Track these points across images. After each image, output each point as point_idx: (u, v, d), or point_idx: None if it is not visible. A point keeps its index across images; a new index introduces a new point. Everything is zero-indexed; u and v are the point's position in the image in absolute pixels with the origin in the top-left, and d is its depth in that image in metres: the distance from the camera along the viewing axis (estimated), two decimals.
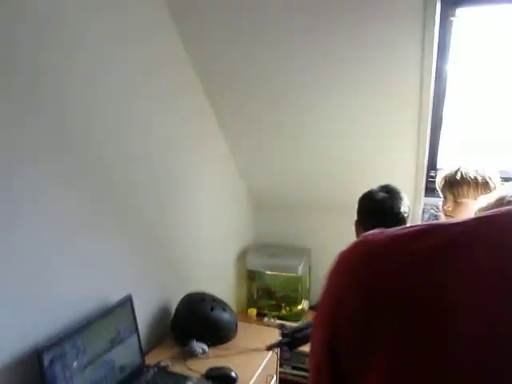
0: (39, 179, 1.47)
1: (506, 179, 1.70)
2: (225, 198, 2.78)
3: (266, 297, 2.96)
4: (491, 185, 1.61)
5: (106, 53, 1.72)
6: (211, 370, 1.83)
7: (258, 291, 2.98)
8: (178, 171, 2.25)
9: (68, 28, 1.54)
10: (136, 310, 1.84)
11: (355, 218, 1.68)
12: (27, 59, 1.40)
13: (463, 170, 1.65)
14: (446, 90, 2.45)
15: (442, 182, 1.73)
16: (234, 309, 2.86)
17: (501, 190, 1.73)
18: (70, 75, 1.57)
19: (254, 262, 2.89)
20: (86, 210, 1.67)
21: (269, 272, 2.91)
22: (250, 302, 2.98)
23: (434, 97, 2.29)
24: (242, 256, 2.97)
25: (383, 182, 1.68)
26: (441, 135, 2.66)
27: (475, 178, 1.62)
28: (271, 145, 2.64)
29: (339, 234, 2.82)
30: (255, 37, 2.08)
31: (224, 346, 2.07)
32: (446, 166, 1.78)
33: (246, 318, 2.78)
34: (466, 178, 1.63)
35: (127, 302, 1.79)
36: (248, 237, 3.09)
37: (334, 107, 2.28)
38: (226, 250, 2.85)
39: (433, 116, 2.39)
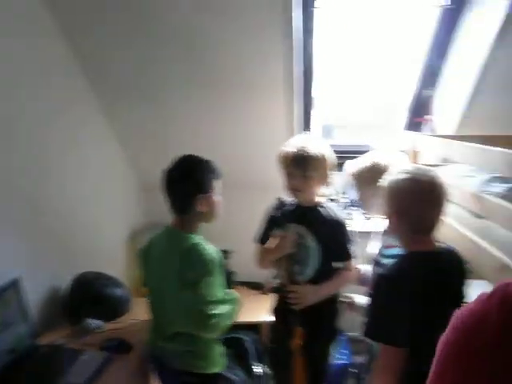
0: None
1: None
2: (111, 181, 2.81)
3: None
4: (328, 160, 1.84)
5: None
6: (107, 341, 1.90)
7: None
8: (59, 154, 2.23)
9: None
10: (28, 294, 1.85)
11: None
12: None
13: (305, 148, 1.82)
14: (313, 75, 2.72)
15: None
16: (129, 287, 2.92)
17: (370, 156, 2.03)
18: None
19: (144, 241, 2.93)
20: None
21: None
22: (143, 282, 3.04)
23: (301, 82, 2.55)
24: (134, 236, 3.02)
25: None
26: (311, 116, 2.95)
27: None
28: (154, 125, 2.73)
29: (229, 209, 3.02)
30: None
31: (119, 320, 2.14)
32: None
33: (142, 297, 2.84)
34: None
35: (14, 286, 1.78)
36: (138, 218, 3.14)
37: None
38: (116, 231, 2.88)
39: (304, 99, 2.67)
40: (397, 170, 1.47)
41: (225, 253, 1.99)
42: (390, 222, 1.48)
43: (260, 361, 2.46)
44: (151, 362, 1.84)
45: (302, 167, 1.76)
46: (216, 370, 1.79)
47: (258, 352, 2.49)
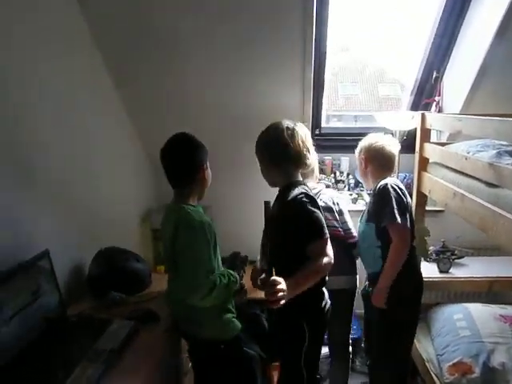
0: None
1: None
2: (124, 160, 2.86)
3: None
4: None
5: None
6: (133, 311, 1.96)
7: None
8: (78, 134, 2.28)
9: None
10: (55, 266, 1.89)
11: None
12: None
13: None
14: (326, 54, 2.78)
15: None
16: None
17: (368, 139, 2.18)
18: None
19: (157, 221, 2.99)
20: None
21: None
22: (158, 261, 3.11)
23: (315, 59, 2.61)
24: (147, 216, 3.07)
25: None
26: (323, 96, 3.01)
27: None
28: (166, 105, 2.78)
29: (237, 190, 3.06)
30: None
31: (140, 294, 2.20)
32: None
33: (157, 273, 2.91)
34: None
35: (45, 257, 1.83)
36: (151, 198, 3.20)
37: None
38: (130, 211, 2.93)
39: (315, 76, 2.72)
40: None
41: (235, 257, 2.04)
42: None
43: None
44: (177, 332, 1.92)
45: None
46: (220, 337, 1.84)
47: None
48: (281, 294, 1.44)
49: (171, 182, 1.85)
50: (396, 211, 1.99)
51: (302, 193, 1.71)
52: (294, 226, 1.70)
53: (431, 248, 2.78)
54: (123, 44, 2.40)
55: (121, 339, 1.73)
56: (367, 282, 2.29)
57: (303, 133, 1.81)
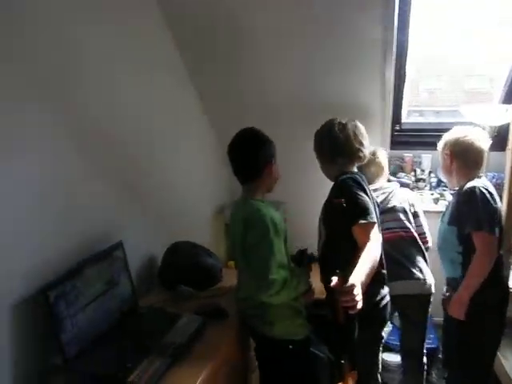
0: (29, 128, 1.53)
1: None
2: (200, 157, 2.88)
3: None
4: None
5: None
6: (202, 307, 1.95)
7: None
8: (156, 132, 2.33)
9: None
10: (128, 257, 1.94)
11: None
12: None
13: None
14: (408, 48, 2.61)
15: None
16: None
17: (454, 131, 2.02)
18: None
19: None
20: (80, 162, 1.78)
21: None
22: (230, 256, 3.11)
23: (396, 53, 2.46)
24: (221, 211, 3.09)
25: None
26: (404, 90, 2.84)
27: None
28: (246, 104, 2.75)
29: (313, 188, 2.98)
30: None
31: (210, 289, 2.19)
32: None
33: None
34: None
35: (119, 248, 1.88)
36: (225, 193, 3.21)
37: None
38: (204, 206, 2.96)
39: (396, 71, 2.57)
40: None
41: (302, 255, 1.96)
42: None
43: None
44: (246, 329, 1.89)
45: None
46: (289, 337, 1.79)
47: None
48: (358, 297, 1.41)
49: (239, 177, 1.85)
50: (483, 218, 1.81)
51: (349, 177, 1.77)
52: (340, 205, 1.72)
53: None
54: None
55: (189, 334, 1.73)
56: (445, 287, 2.12)
57: (355, 126, 1.87)
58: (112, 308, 1.80)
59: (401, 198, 2.29)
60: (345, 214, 1.70)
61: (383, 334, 2.00)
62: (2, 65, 1.41)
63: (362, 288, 1.45)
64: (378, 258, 1.66)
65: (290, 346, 1.79)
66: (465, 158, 1.99)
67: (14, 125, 1.46)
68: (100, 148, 1.89)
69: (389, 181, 2.52)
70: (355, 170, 1.90)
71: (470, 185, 1.90)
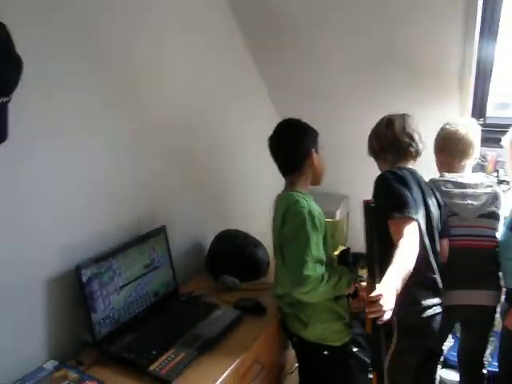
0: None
1: None
2: (260, 143, 2.81)
3: None
4: None
5: None
6: (241, 300, 1.89)
7: None
8: (223, 112, 2.35)
9: None
10: (173, 242, 1.93)
11: None
12: None
13: None
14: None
15: None
16: (270, 253, 2.91)
17: None
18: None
19: None
20: (131, 146, 1.81)
21: None
22: None
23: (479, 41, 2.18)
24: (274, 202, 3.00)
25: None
26: (490, 82, 2.51)
27: None
28: (313, 101, 2.63)
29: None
30: None
31: (256, 281, 2.12)
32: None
33: None
34: None
35: (162, 232, 1.87)
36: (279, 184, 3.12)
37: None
38: (261, 195, 2.88)
39: (479, 62, 2.28)
40: None
41: (346, 254, 1.80)
42: None
43: None
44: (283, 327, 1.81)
45: None
46: (324, 342, 1.68)
47: None
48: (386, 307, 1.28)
49: (280, 169, 1.79)
50: None
51: (389, 170, 1.70)
52: (378, 199, 1.63)
53: None
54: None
55: (222, 328, 1.68)
56: (504, 297, 1.89)
57: (404, 121, 1.78)
58: (149, 292, 1.80)
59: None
60: (377, 214, 1.55)
61: (425, 346, 1.80)
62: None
63: (394, 293, 1.33)
64: (413, 257, 1.47)
65: (325, 352, 1.67)
66: None
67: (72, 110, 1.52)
68: (154, 132, 1.91)
69: None
70: (409, 166, 1.78)
71: None
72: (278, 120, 1.75)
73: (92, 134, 1.61)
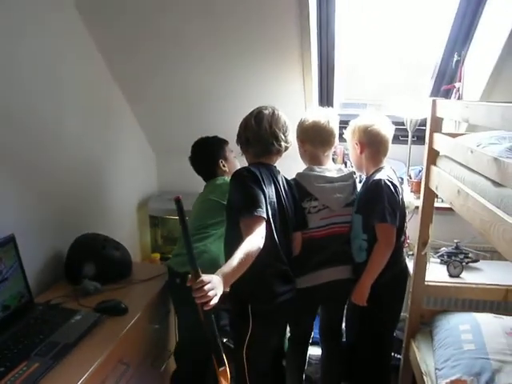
0: None
1: None
2: (125, 148, 2.78)
3: (170, 242, 3.01)
4: None
5: None
6: (101, 303, 1.87)
7: (161, 237, 3.03)
8: (76, 116, 2.25)
9: None
10: (26, 253, 1.84)
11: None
12: None
13: None
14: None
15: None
16: (139, 254, 2.90)
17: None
18: None
19: (154, 208, 2.91)
20: None
21: (172, 217, 2.93)
22: (155, 248, 3.03)
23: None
24: (145, 202, 2.99)
25: None
26: (334, 77, 2.78)
27: None
28: (166, 95, 2.72)
29: None
30: None
31: (118, 283, 2.10)
32: None
33: (151, 261, 2.85)
34: None
35: (10, 242, 1.76)
36: (151, 185, 3.12)
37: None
38: (128, 198, 2.86)
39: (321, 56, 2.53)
40: None
41: None
42: None
43: None
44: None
45: None
46: None
47: None
48: (212, 292, 1.33)
49: (203, 176, 2.25)
50: (387, 211, 1.87)
51: (246, 168, 1.79)
52: (231, 196, 1.81)
53: (442, 249, 2.54)
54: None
55: (80, 332, 1.65)
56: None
57: (272, 117, 1.84)
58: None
59: None
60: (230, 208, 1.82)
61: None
62: None
63: (221, 280, 1.38)
64: (253, 251, 1.53)
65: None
66: (375, 148, 2.03)
67: None
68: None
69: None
70: (272, 161, 1.90)
71: (376, 177, 1.94)
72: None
73: None
